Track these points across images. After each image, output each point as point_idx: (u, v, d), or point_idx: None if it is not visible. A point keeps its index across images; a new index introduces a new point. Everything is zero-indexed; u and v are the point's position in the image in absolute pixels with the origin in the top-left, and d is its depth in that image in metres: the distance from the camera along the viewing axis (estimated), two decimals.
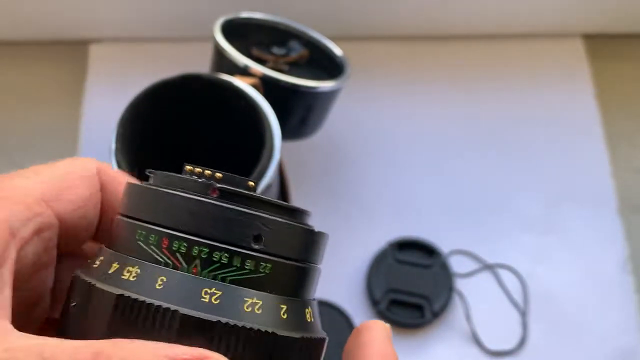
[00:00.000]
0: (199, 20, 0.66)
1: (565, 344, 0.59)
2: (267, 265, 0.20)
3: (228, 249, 0.20)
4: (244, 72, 0.53)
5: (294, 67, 0.58)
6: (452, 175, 0.66)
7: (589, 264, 0.61)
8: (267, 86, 0.52)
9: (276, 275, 0.20)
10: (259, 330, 0.19)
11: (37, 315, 0.23)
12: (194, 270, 0.20)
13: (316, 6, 0.67)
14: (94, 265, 0.21)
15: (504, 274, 0.61)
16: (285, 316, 0.20)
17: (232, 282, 0.20)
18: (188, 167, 0.22)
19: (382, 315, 0.59)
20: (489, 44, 0.72)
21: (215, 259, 0.20)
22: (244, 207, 0.20)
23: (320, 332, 0.22)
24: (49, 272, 0.22)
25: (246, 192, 0.21)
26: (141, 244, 0.20)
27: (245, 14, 0.60)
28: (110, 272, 0.20)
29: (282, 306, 0.20)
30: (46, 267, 0.22)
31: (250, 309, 0.19)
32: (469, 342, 0.59)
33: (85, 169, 0.23)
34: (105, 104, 0.66)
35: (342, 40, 0.63)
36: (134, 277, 0.19)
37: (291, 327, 0.20)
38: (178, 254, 0.20)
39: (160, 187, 0.21)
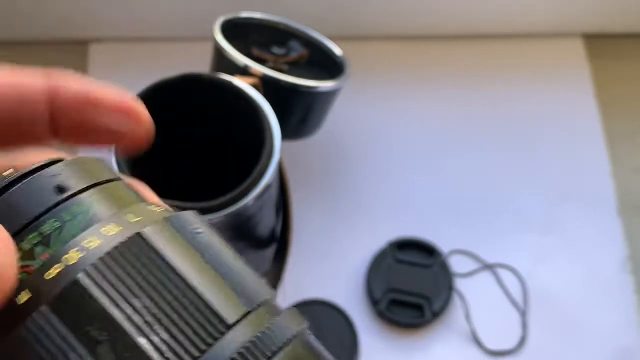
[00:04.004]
0: (199, 20, 0.66)
1: (565, 344, 0.59)
2: (93, 197, 0.20)
3: (47, 217, 0.19)
4: (244, 72, 0.53)
5: (294, 67, 0.58)
6: (452, 175, 0.66)
7: (589, 264, 0.61)
8: (267, 86, 0.52)
9: (103, 199, 0.20)
10: (125, 241, 0.18)
11: None
12: (45, 257, 0.18)
13: (316, 6, 0.67)
14: None
15: (504, 274, 0.61)
16: (138, 218, 0.20)
17: (83, 229, 0.19)
18: None
19: (382, 315, 0.59)
20: (489, 44, 0.72)
21: (48, 232, 0.19)
22: (21, 186, 0.19)
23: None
24: None
25: (5, 180, 0.19)
26: None
27: (245, 14, 0.60)
28: None
29: (126, 215, 0.20)
30: None
31: (107, 237, 0.19)
32: (469, 342, 0.59)
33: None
34: None
35: (342, 40, 0.63)
36: None
37: (146, 223, 0.19)
38: (23, 261, 0.18)
39: None
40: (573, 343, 0.58)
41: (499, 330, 0.59)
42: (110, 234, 0.19)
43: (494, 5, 0.68)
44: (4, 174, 0.20)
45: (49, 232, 0.19)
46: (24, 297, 0.18)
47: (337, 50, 0.61)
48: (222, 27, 0.56)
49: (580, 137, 0.67)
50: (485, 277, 0.61)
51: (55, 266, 0.18)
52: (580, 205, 0.64)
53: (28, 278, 0.18)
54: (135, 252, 0.18)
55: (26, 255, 0.18)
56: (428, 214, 0.64)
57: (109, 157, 0.47)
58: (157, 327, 0.17)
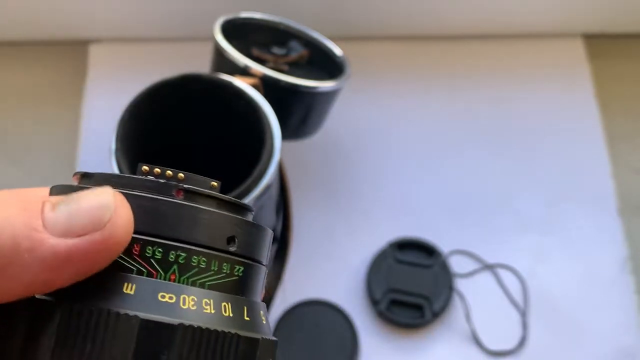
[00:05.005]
0: (199, 20, 0.66)
1: (565, 344, 0.59)
2: (240, 267, 0.20)
3: (206, 252, 0.19)
4: (244, 72, 0.53)
5: (294, 67, 0.58)
6: (452, 175, 0.66)
7: (589, 264, 0.61)
8: (267, 86, 0.52)
9: (245, 278, 0.20)
10: (222, 331, 0.18)
11: None
12: (172, 277, 0.19)
13: (316, 6, 0.67)
14: None
15: (504, 274, 0.61)
16: (248, 318, 0.19)
17: (210, 287, 0.19)
18: (144, 167, 0.20)
19: (382, 315, 0.59)
20: (489, 44, 0.72)
21: (193, 264, 0.19)
22: (215, 209, 0.19)
23: (271, 335, 0.21)
24: None
25: (212, 192, 0.20)
26: None
27: (245, 14, 0.60)
28: None
29: (245, 308, 0.20)
30: None
31: (220, 313, 0.19)
32: (469, 342, 0.59)
33: None
34: (105, 104, 0.66)
35: (342, 40, 0.63)
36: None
37: (254, 329, 0.20)
38: (153, 260, 0.18)
39: (119, 189, 0.19)
40: (573, 343, 0.58)
41: (499, 330, 0.59)
42: (224, 313, 0.19)
43: (494, 5, 0.68)
44: (212, 183, 0.20)
45: (194, 264, 0.19)
46: (128, 288, 0.18)
47: (337, 50, 0.61)
48: (222, 27, 0.56)
49: (580, 137, 0.67)
50: (485, 277, 0.61)
51: (172, 294, 0.18)
52: (580, 206, 0.64)
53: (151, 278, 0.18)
54: (226, 343, 0.18)
55: (163, 260, 0.18)
56: (428, 214, 0.64)
57: (109, 158, 0.47)
58: None
